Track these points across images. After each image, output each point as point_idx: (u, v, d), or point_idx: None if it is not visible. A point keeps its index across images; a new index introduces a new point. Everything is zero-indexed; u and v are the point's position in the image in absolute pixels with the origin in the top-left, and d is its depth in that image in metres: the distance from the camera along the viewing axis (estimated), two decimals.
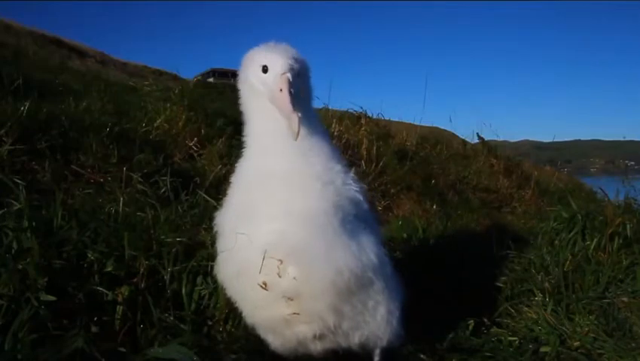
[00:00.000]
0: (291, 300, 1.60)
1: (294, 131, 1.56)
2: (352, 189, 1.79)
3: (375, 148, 5.05)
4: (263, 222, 1.61)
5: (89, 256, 1.99)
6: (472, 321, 2.68)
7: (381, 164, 4.93)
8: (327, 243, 1.58)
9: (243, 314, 1.81)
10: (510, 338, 2.66)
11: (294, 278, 1.57)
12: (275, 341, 1.78)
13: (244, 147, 1.87)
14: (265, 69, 1.70)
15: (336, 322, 1.67)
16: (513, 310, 2.89)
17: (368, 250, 1.68)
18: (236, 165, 1.89)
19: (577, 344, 2.59)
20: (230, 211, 1.77)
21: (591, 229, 3.63)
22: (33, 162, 3.08)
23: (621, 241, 3.50)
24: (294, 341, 1.72)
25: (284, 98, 1.60)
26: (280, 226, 1.59)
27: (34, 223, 1.95)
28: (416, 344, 2.44)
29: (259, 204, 1.65)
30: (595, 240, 3.50)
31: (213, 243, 2.12)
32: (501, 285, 3.12)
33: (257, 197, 1.66)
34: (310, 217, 1.60)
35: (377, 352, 1.92)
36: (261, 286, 1.58)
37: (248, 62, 1.78)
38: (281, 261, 1.57)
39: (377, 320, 1.76)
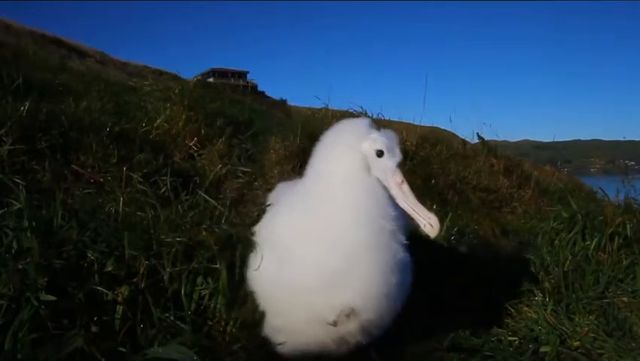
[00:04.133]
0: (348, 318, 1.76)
1: (437, 230, 1.83)
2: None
3: None
4: (327, 254, 1.75)
5: (89, 255, 1.98)
6: (472, 321, 2.68)
7: None
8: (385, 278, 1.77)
9: (271, 321, 1.93)
10: (510, 338, 2.66)
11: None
12: (297, 348, 1.88)
13: (306, 175, 2.03)
14: (380, 154, 1.88)
15: (378, 331, 1.88)
16: (513, 310, 2.89)
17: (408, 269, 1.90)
18: (284, 183, 2.25)
19: (577, 343, 2.59)
20: (282, 229, 1.92)
21: (591, 229, 3.63)
22: (33, 162, 3.08)
23: (621, 240, 3.50)
24: (326, 347, 1.85)
25: (413, 199, 1.87)
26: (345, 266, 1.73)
27: (34, 223, 1.95)
28: (416, 344, 2.45)
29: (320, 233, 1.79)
30: (595, 240, 3.50)
31: (214, 243, 2.13)
32: (501, 285, 3.12)
33: (318, 224, 1.81)
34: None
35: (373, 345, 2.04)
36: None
37: (363, 135, 1.92)
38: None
39: (391, 317, 1.89)
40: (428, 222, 1.85)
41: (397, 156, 1.92)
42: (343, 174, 1.86)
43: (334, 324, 1.75)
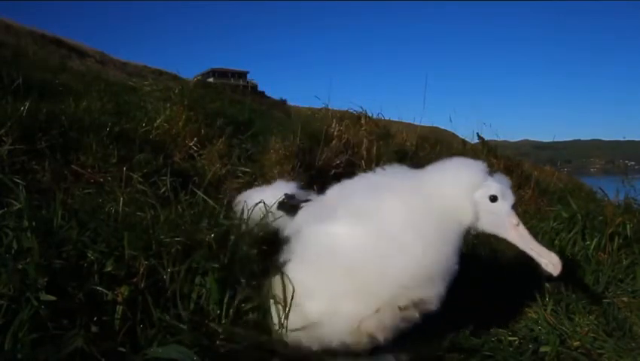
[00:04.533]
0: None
1: (559, 270, 1.96)
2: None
3: (375, 148, 5.04)
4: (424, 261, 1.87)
5: (89, 255, 1.98)
6: (471, 321, 2.68)
7: (381, 164, 4.91)
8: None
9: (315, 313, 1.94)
10: (510, 338, 2.66)
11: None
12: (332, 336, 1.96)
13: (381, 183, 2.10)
14: (494, 199, 1.96)
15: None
16: (512, 310, 2.89)
17: None
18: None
19: (576, 343, 2.59)
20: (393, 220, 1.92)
21: (591, 229, 3.63)
22: (33, 162, 3.08)
23: (621, 240, 3.50)
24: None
25: (530, 238, 1.99)
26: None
27: (34, 223, 1.95)
28: (416, 344, 2.44)
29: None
30: (595, 240, 3.51)
31: (213, 243, 2.14)
32: (501, 285, 3.11)
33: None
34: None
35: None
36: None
37: (477, 182, 1.98)
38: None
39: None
40: (550, 262, 1.97)
41: (511, 200, 1.99)
42: (448, 214, 1.94)
43: (404, 309, 1.91)
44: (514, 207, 2.00)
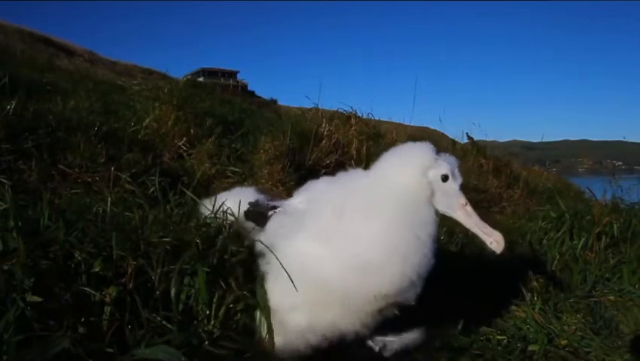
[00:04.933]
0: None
1: (502, 246, 1.97)
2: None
3: (365, 148, 5.06)
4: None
5: (77, 256, 1.96)
6: (461, 320, 2.69)
7: (371, 164, 4.92)
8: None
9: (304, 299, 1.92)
10: (499, 337, 2.68)
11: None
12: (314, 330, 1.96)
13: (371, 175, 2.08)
14: (445, 178, 1.96)
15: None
16: (501, 309, 2.91)
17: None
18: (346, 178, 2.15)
19: (564, 342, 2.62)
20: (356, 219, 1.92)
21: (579, 229, 3.67)
22: (19, 162, 3.05)
23: (608, 240, 3.54)
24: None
25: (477, 218, 2.00)
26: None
27: (20, 223, 1.92)
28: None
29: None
30: (583, 239, 3.55)
31: (201, 243, 2.13)
32: (490, 284, 3.13)
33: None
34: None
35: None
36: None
37: (428, 163, 1.97)
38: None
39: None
40: (494, 240, 1.98)
41: (459, 180, 2.01)
42: (406, 196, 1.93)
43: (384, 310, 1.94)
44: (462, 187, 2.02)
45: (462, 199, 1.99)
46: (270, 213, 2.17)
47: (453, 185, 1.98)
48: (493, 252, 2.01)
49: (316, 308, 1.92)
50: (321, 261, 1.88)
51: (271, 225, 2.14)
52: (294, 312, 1.95)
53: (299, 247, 1.94)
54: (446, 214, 2.02)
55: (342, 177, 2.18)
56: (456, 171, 2.01)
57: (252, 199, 2.35)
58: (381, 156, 2.12)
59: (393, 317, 2.03)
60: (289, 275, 1.88)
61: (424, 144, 2.05)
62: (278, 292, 1.98)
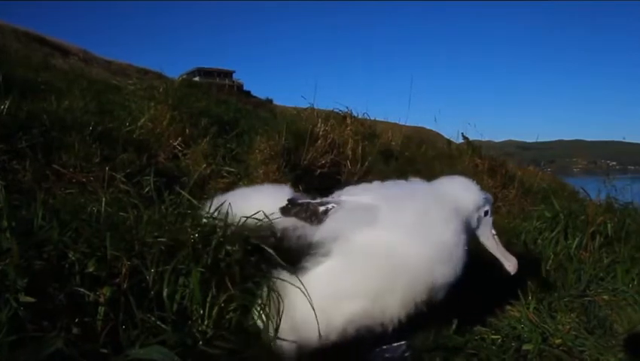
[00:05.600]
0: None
1: (515, 270, 2.47)
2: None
3: (360, 148, 5.05)
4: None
5: (71, 256, 1.95)
6: (455, 319, 2.70)
7: (366, 164, 4.94)
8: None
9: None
10: (493, 337, 2.69)
11: None
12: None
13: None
14: (487, 213, 2.47)
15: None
16: (496, 309, 2.92)
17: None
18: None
19: (558, 341, 2.63)
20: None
21: (573, 228, 3.69)
22: (13, 162, 3.04)
23: (602, 239, 3.56)
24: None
25: (501, 246, 2.52)
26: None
27: (13, 223, 1.91)
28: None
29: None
30: (577, 239, 3.56)
31: (196, 243, 2.12)
32: (485, 283, 3.14)
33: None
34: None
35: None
36: None
37: (483, 204, 2.44)
38: None
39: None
40: (512, 265, 2.47)
41: (492, 214, 2.50)
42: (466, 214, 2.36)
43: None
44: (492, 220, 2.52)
45: (493, 231, 2.51)
46: (323, 209, 2.19)
47: (490, 219, 2.48)
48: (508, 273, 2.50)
49: (379, 295, 2.05)
50: (405, 247, 2.07)
51: (336, 218, 2.15)
52: (351, 300, 2.05)
53: (379, 237, 2.08)
54: (478, 237, 2.48)
55: (403, 184, 2.49)
56: (492, 207, 2.49)
57: (287, 197, 2.35)
58: (439, 178, 2.54)
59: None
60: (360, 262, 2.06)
61: (473, 185, 2.49)
62: (337, 280, 2.06)
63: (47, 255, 1.93)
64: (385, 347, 2.36)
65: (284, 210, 2.25)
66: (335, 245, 2.07)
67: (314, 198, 2.38)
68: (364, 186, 2.49)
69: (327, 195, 2.47)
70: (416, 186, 2.46)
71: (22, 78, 5.00)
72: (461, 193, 2.39)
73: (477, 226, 2.44)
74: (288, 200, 2.30)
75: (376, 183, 2.50)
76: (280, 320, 2.06)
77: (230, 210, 2.30)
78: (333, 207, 2.19)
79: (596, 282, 3.26)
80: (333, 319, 2.05)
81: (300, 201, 2.28)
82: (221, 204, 2.35)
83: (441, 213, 2.22)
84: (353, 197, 2.30)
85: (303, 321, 2.04)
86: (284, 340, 2.06)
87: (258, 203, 2.29)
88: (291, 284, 2.05)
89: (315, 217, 2.17)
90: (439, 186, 2.43)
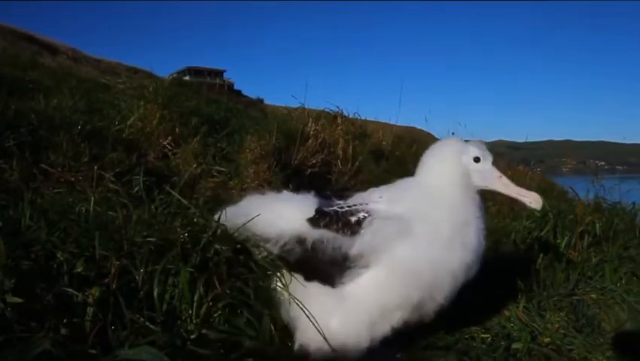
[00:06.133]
0: None
1: (540, 203, 2.26)
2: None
3: (351, 148, 5.06)
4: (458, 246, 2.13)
5: (59, 256, 1.94)
6: (445, 319, 2.70)
7: (357, 163, 4.95)
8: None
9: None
10: (483, 335, 2.70)
11: None
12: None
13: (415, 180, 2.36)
14: (477, 160, 2.27)
15: None
16: (486, 308, 2.93)
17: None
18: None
19: (547, 340, 2.64)
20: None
21: (562, 228, 3.72)
22: (1, 161, 3.01)
23: (591, 239, 3.59)
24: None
25: (514, 186, 2.29)
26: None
27: (1, 223, 1.90)
28: (390, 343, 2.46)
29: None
30: (566, 238, 3.59)
31: (186, 242, 2.11)
32: (475, 283, 3.15)
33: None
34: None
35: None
36: None
37: (459, 150, 2.29)
38: None
39: None
40: (532, 200, 2.25)
41: (490, 157, 2.30)
42: (451, 186, 2.23)
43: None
44: (494, 163, 2.31)
45: (497, 173, 2.29)
46: (355, 219, 2.14)
47: (486, 164, 2.28)
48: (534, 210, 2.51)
49: (420, 304, 2.11)
50: (446, 260, 2.09)
51: (372, 231, 2.10)
52: (397, 311, 2.09)
53: (420, 250, 2.07)
54: (487, 189, 2.31)
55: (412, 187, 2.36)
56: (486, 152, 2.29)
57: (314, 206, 2.25)
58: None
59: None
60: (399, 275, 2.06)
61: (451, 138, 2.44)
62: (384, 293, 2.07)
63: (35, 255, 1.91)
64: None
65: (313, 222, 2.16)
66: (376, 258, 2.06)
67: (337, 204, 2.28)
68: (378, 191, 2.37)
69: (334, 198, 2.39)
70: (429, 192, 2.30)
71: (10, 77, 4.96)
72: (447, 166, 2.28)
73: (480, 178, 2.28)
74: (316, 210, 2.21)
75: (386, 187, 2.41)
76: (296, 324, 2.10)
77: (257, 226, 2.22)
78: (364, 217, 2.13)
79: (585, 281, 3.29)
80: (377, 329, 2.09)
81: (327, 211, 2.20)
82: (247, 218, 2.24)
83: (473, 211, 2.23)
84: (379, 204, 2.22)
85: (343, 329, 2.07)
86: (308, 346, 2.09)
87: (285, 215, 2.22)
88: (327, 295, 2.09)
89: (348, 228, 2.11)
90: (429, 178, 2.33)
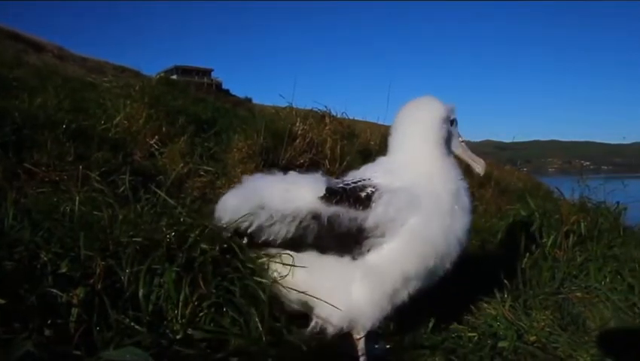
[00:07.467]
0: None
1: (484, 169, 2.53)
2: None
3: (339, 147, 5.06)
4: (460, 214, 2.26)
5: (43, 256, 1.91)
6: (432, 318, 2.72)
7: (345, 163, 4.95)
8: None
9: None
10: (470, 334, 2.71)
11: None
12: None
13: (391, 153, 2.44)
14: (455, 122, 2.42)
15: None
16: (472, 307, 2.95)
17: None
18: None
19: (533, 338, 2.67)
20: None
21: (548, 227, 3.75)
22: None
23: (576, 238, 3.62)
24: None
25: (469, 150, 2.52)
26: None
27: None
28: (377, 342, 2.46)
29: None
30: (552, 237, 3.62)
31: (171, 242, 2.09)
32: (461, 282, 3.17)
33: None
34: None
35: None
36: None
37: (447, 114, 2.37)
38: None
39: None
40: (480, 165, 2.50)
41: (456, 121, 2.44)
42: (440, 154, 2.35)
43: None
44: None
45: (461, 137, 2.48)
46: (364, 194, 2.19)
47: (456, 127, 2.45)
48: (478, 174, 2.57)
49: (434, 272, 2.23)
50: (455, 228, 2.22)
51: (384, 203, 2.16)
52: (414, 281, 2.19)
53: (432, 221, 2.17)
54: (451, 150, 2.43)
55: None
56: (455, 114, 2.42)
57: (323, 185, 2.27)
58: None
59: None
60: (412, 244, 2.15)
61: (431, 98, 2.43)
62: (404, 263, 2.14)
63: (19, 255, 1.89)
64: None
65: (327, 199, 2.20)
66: (391, 228, 2.13)
67: (343, 181, 2.34)
68: (371, 167, 2.43)
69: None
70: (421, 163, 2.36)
71: None
72: (430, 130, 2.34)
73: (454, 142, 2.44)
74: (327, 189, 2.24)
75: (377, 163, 2.47)
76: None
77: (272, 202, 2.23)
78: (372, 191, 2.19)
79: (570, 280, 3.32)
80: (398, 296, 2.19)
81: (337, 188, 2.25)
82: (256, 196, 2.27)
83: (460, 182, 2.33)
84: (379, 179, 2.27)
85: (368, 298, 2.14)
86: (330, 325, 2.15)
87: (300, 193, 2.24)
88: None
89: (359, 202, 2.17)
90: (414, 146, 2.37)
